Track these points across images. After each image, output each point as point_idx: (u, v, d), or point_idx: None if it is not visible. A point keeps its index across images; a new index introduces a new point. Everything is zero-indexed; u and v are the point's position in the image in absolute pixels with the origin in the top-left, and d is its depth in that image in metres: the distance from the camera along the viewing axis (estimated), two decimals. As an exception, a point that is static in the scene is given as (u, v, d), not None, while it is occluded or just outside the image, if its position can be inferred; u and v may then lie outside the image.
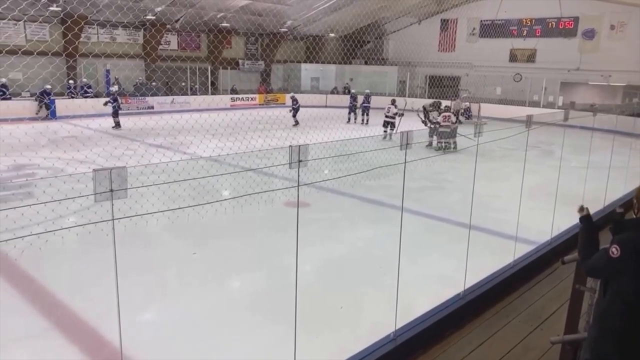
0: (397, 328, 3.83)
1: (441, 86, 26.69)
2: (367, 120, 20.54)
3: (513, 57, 27.65)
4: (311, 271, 5.77)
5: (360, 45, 32.11)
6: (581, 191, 7.16)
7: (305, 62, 30.82)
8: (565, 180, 6.76)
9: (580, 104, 23.18)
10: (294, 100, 20.06)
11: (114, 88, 19.22)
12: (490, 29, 27.93)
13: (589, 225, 2.67)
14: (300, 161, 3.07)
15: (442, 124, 13.88)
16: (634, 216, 2.44)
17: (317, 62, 30.50)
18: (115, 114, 17.72)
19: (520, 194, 5.80)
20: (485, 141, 4.92)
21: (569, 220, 5.80)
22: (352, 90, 22.70)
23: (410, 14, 29.63)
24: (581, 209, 2.75)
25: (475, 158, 4.96)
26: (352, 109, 21.21)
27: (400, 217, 4.03)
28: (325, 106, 26.72)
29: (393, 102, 17.15)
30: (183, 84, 25.25)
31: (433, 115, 15.35)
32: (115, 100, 17.86)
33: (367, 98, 20.99)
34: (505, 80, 26.31)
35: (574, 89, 25.26)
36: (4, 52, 14.02)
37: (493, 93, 25.94)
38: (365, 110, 20.83)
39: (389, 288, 3.97)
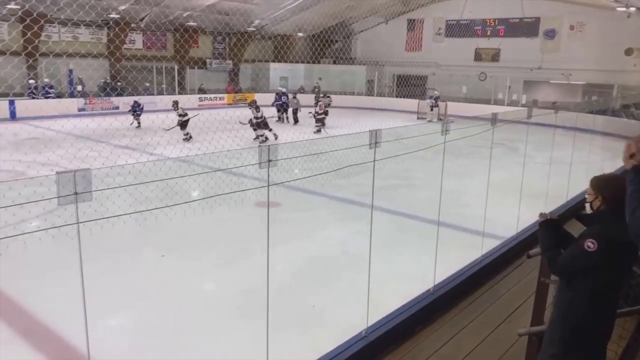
0: (368, 325, 3.86)
1: (409, 85, 27.04)
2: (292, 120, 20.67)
3: (478, 57, 28.25)
4: (283, 270, 5.75)
5: (328, 44, 32.20)
6: (545, 186, 7.37)
7: (273, 61, 30.70)
8: (529, 176, 6.94)
9: (542, 102, 23.84)
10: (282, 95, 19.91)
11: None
12: (456, 29, 28.47)
13: (554, 227, 2.65)
14: (270, 161, 3.05)
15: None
16: (592, 209, 2.48)
17: (285, 61, 30.43)
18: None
19: (486, 190, 5.93)
20: (453, 139, 5.00)
21: (534, 215, 5.95)
22: (283, 89, 22.55)
23: (378, 14, 29.89)
24: (542, 215, 2.75)
25: (442, 156, 5.04)
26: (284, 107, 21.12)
27: (371, 215, 4.06)
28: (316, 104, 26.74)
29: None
30: (148, 84, 24.78)
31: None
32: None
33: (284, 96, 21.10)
34: (471, 79, 26.86)
35: (536, 88, 25.99)
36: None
37: (459, 92, 26.42)
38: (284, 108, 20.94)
39: (361, 286, 4.00)
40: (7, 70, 18.87)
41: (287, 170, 3.97)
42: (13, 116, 18.90)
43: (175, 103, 16.26)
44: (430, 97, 23.26)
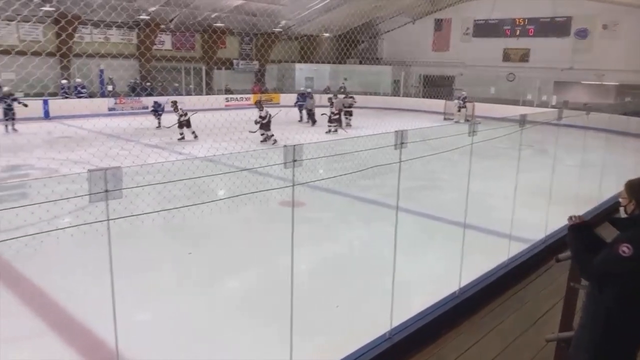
0: (392, 327, 3.84)
1: (435, 85, 26.77)
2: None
3: (507, 57, 27.76)
4: (307, 270, 5.77)
5: (354, 45, 32.14)
6: (575, 190, 7.21)
7: (299, 62, 30.81)
8: (559, 179, 6.79)
9: (573, 103, 23.32)
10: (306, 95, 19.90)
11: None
12: (484, 29, 28.06)
13: (585, 231, 2.58)
14: (295, 161, 3.07)
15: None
16: (626, 214, 2.43)
17: (311, 62, 30.50)
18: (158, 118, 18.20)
19: (514, 193, 5.82)
20: (480, 140, 4.93)
21: (563, 218, 5.83)
22: (308, 90, 22.35)
23: (405, 14, 29.70)
24: (572, 218, 2.69)
25: (470, 157, 4.98)
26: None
27: (395, 216, 4.04)
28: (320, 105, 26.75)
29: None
30: (176, 84, 25.16)
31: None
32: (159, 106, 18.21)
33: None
34: (499, 79, 26.42)
35: (567, 88, 25.40)
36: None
37: (487, 92, 26.03)
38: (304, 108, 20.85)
39: (384, 287, 3.98)
40: (43, 71, 19.49)
41: (312, 170, 3.98)
42: (47, 115, 19.46)
43: (174, 103, 16.35)
44: (458, 98, 22.97)
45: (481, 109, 22.13)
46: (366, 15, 28.72)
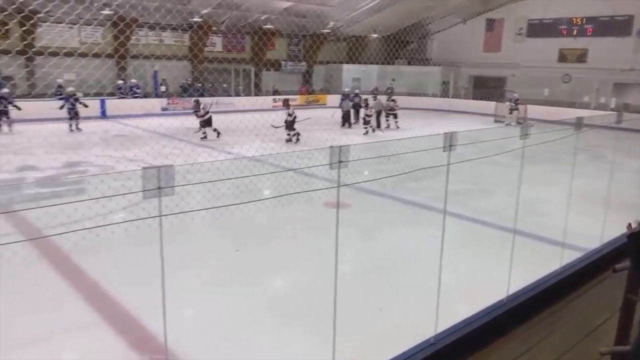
0: (437, 332, 3.78)
1: (486, 87, 26.07)
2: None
3: (562, 57, 26.66)
4: (350, 272, 5.77)
5: (403, 45, 31.80)
6: (635, 197, 6.85)
7: (347, 62, 30.79)
8: (617, 186, 6.48)
9: (634, 105, 22.14)
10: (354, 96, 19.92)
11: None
12: (538, 29, 27.09)
13: None
14: (340, 162, 3.08)
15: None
16: None
17: (359, 62, 30.41)
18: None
19: (568, 199, 5.60)
20: (532, 143, 4.78)
21: (621, 227, 5.57)
22: (356, 91, 21.95)
23: (455, 14, 29.13)
24: (629, 226, 2.58)
25: (521, 161, 4.83)
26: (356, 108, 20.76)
27: (443, 219, 3.97)
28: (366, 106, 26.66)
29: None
30: (225, 85, 25.70)
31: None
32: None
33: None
34: (554, 81, 25.43)
35: (627, 90, 24.13)
36: (61, 54, 14.73)
37: (540, 94, 25.12)
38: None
39: (429, 292, 3.93)
40: (102, 72, 20.41)
41: (358, 171, 3.98)
42: (104, 115, 20.36)
43: (197, 102, 16.43)
44: (510, 100, 22.31)
45: (534, 111, 21.41)
46: (415, 16, 28.39)
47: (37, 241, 6.06)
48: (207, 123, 15.89)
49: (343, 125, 19.81)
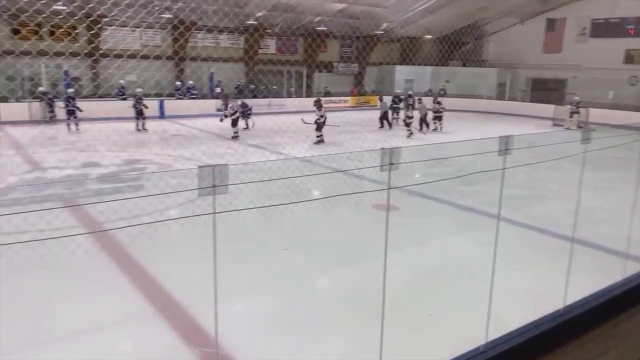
0: (487, 341, 3.68)
1: (545, 89, 25.07)
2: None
3: (629, 59, 25.23)
4: (399, 276, 5.71)
5: (458, 46, 31.14)
6: None
7: (400, 64, 30.49)
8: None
9: None
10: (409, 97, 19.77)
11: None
12: (603, 28, 25.77)
13: None
14: (391, 164, 3.06)
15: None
16: None
17: (412, 64, 30.03)
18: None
19: (632, 207, 5.31)
20: (594, 149, 4.57)
21: (692, 239, 5.22)
22: (410, 92, 21.58)
23: (513, 14, 28.21)
24: None
25: (581, 167, 4.63)
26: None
27: (497, 225, 3.87)
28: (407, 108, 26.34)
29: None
30: (274, 87, 26.06)
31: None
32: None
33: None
34: (619, 83, 24.11)
35: (702, 93, 22.55)
36: (125, 56, 15.45)
37: (604, 97, 23.88)
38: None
39: (480, 299, 3.84)
40: (162, 73, 21.24)
41: (408, 174, 3.94)
42: (162, 115, 21.16)
43: (225, 99, 16.61)
44: (570, 103, 21.36)
45: (597, 115, 20.36)
46: (471, 17, 27.73)
47: (99, 234, 6.38)
48: (233, 123, 16.20)
49: (381, 126, 19.60)
